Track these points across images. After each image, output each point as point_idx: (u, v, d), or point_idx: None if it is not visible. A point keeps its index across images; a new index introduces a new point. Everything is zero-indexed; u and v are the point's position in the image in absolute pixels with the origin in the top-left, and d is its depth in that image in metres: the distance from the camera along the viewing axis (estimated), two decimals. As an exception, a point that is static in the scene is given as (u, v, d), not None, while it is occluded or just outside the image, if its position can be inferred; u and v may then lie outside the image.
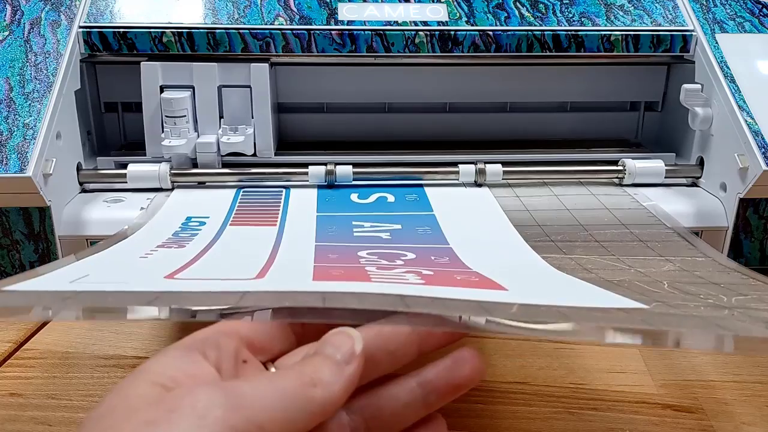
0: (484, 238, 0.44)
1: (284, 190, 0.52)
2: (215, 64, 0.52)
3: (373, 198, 0.52)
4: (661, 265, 0.40)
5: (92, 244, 0.47)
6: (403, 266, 0.34)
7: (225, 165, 0.54)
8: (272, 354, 0.22)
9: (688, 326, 0.25)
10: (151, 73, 0.52)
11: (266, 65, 0.52)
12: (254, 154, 0.54)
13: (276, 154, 0.55)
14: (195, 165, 0.53)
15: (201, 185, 0.53)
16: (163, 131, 0.52)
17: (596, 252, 0.42)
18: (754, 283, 0.36)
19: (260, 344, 0.21)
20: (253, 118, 0.53)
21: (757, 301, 0.31)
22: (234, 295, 0.24)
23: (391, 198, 0.52)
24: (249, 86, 0.53)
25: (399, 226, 0.45)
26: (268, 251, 0.37)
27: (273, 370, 0.21)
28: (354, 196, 0.52)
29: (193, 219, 0.46)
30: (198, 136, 0.53)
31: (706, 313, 0.28)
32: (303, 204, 0.50)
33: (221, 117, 0.53)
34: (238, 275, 0.30)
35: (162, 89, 0.52)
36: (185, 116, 0.52)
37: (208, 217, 0.46)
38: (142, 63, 0.52)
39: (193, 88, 0.53)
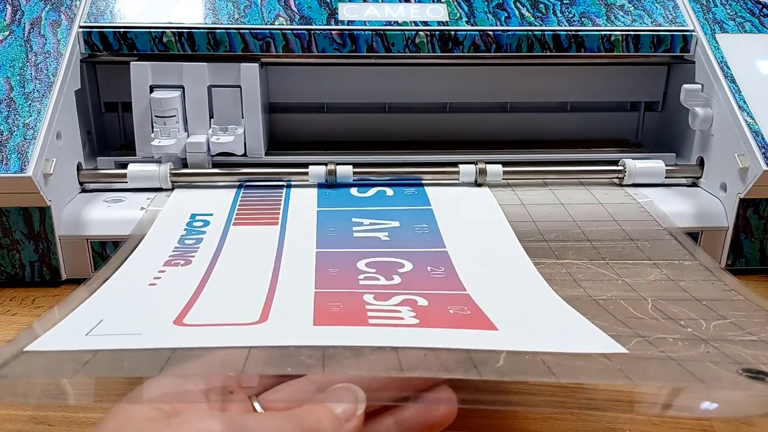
0: (479, 239, 0.44)
1: (285, 187, 0.53)
2: (205, 64, 0.52)
3: (372, 192, 0.52)
4: (648, 272, 0.41)
5: (92, 244, 0.47)
6: (400, 289, 0.35)
7: (222, 165, 0.54)
8: (257, 389, 0.22)
9: (663, 378, 0.27)
10: (141, 72, 0.52)
11: (256, 65, 0.52)
12: (244, 154, 0.54)
13: (269, 154, 0.55)
14: (185, 165, 0.53)
15: (201, 185, 0.53)
16: (152, 131, 0.52)
17: (587, 255, 0.43)
18: (735, 298, 0.37)
19: (247, 377, 0.22)
20: (243, 118, 0.53)
21: (735, 327, 0.33)
22: (241, 352, 0.25)
23: (389, 192, 0.52)
24: (239, 86, 0.53)
25: (397, 224, 0.45)
26: (270, 270, 0.38)
27: (257, 404, 0.21)
28: (353, 190, 0.52)
29: (197, 218, 0.46)
30: (188, 136, 0.53)
31: (683, 351, 0.29)
32: (304, 199, 0.50)
33: (211, 117, 0.53)
34: (242, 317, 0.31)
35: (152, 89, 0.52)
36: (175, 116, 0.52)
37: (211, 215, 0.47)
38: (131, 63, 0.52)
39: (183, 87, 0.53)
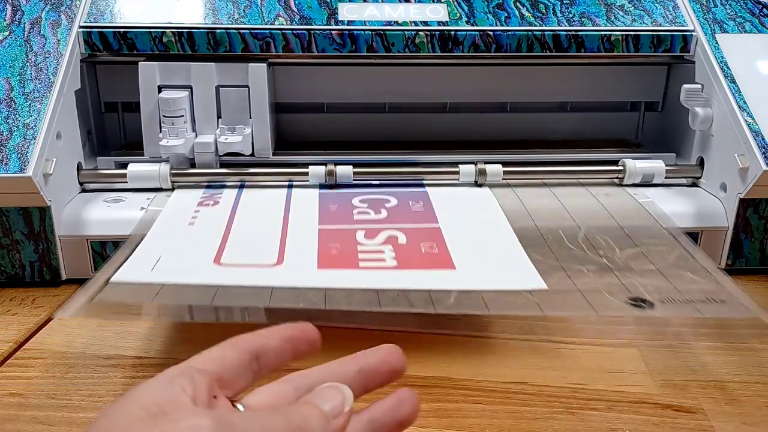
0: (456, 188, 0.53)
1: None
2: (213, 64, 0.52)
3: None
4: (592, 200, 0.50)
5: (92, 244, 0.48)
6: (386, 223, 0.45)
7: (223, 165, 0.54)
8: (236, 389, 0.23)
9: (567, 309, 0.37)
10: (149, 72, 0.52)
11: (264, 65, 0.52)
12: (252, 154, 0.54)
13: (274, 154, 0.55)
14: (193, 165, 0.53)
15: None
16: (161, 131, 0.52)
17: (550, 197, 0.51)
18: (657, 230, 0.44)
19: (227, 378, 0.22)
20: (251, 118, 0.53)
21: (643, 257, 0.41)
22: (265, 291, 0.35)
23: None
24: (247, 86, 0.53)
25: (390, 184, 0.54)
26: (282, 210, 0.47)
27: (240, 407, 0.22)
28: None
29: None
30: (196, 136, 0.53)
31: (591, 282, 0.38)
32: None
33: (219, 117, 0.53)
34: (264, 259, 0.40)
35: (160, 89, 0.52)
36: (183, 116, 0.52)
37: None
38: (140, 63, 0.52)
39: (191, 87, 0.52)
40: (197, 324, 0.42)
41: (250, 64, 0.52)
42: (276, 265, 0.39)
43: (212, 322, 0.35)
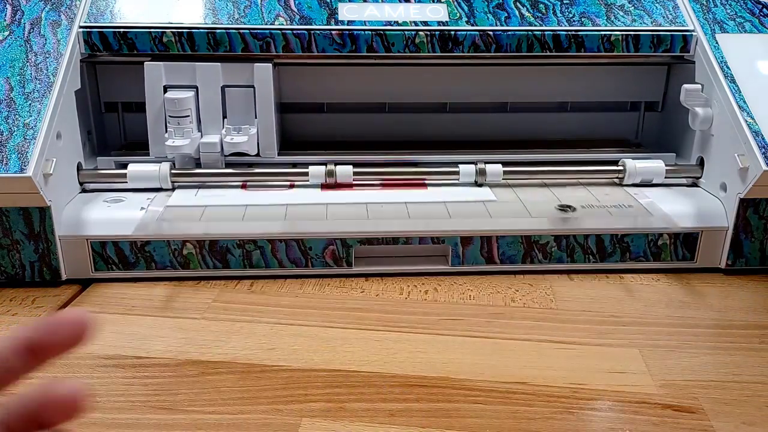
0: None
1: (288, 186, 0.53)
2: (218, 64, 0.52)
3: None
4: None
5: (92, 244, 0.47)
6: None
7: (228, 165, 0.53)
8: (9, 383, 0.22)
9: (509, 214, 0.49)
10: (155, 72, 0.52)
11: (269, 65, 0.52)
12: (257, 154, 0.54)
13: (279, 154, 0.55)
14: (198, 165, 0.53)
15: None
16: (166, 131, 0.52)
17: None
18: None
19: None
20: (256, 118, 0.53)
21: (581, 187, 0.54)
22: (282, 207, 0.49)
23: None
24: (252, 86, 0.53)
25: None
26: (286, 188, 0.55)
27: None
28: None
29: None
30: (201, 136, 0.53)
31: (533, 198, 0.51)
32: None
33: (224, 117, 0.53)
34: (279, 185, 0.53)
35: (165, 89, 0.52)
36: (189, 116, 0.52)
37: None
38: (145, 63, 0.52)
39: (197, 87, 0.52)
40: (196, 323, 0.42)
41: (256, 64, 0.52)
42: (289, 188, 0.53)
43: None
